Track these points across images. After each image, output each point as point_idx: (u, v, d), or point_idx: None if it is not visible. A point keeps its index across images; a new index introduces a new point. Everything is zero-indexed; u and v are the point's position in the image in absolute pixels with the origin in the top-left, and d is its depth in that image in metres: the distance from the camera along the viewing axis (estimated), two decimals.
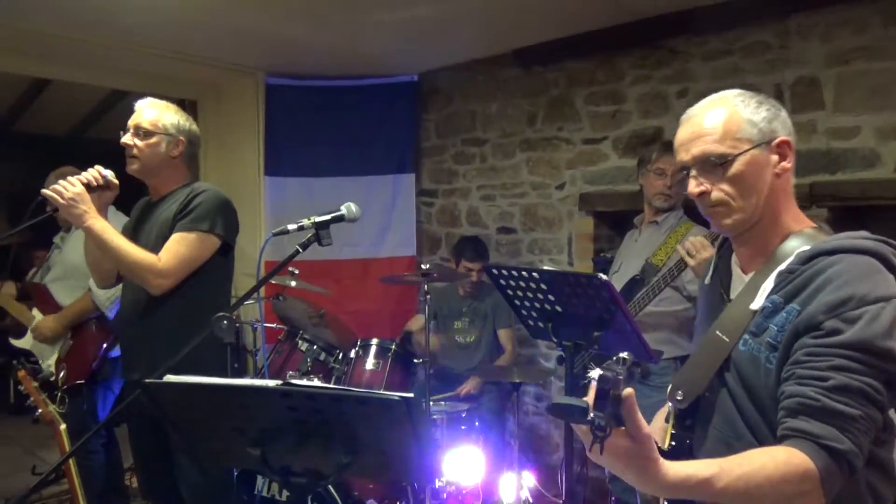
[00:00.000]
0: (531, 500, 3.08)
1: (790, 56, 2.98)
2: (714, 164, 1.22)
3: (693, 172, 1.25)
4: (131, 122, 2.31)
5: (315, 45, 3.78)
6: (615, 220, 3.74)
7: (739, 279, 1.31)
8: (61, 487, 3.67)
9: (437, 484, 2.93)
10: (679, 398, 1.29)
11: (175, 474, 2.31)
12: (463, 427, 3.23)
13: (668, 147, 2.75)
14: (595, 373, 0.96)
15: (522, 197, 4.08)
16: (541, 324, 2.08)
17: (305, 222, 1.94)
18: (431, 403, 3.18)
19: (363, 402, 1.27)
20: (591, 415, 0.95)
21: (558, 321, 2.01)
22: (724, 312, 1.28)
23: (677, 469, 1.02)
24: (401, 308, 4.48)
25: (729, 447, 1.17)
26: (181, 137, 2.33)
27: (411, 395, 1.22)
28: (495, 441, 3.46)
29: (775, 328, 1.15)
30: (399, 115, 4.43)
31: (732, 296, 1.30)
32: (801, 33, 2.95)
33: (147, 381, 1.39)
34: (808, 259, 1.15)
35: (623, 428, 0.98)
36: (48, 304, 3.21)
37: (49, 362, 3.15)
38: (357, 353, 3.32)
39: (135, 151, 2.28)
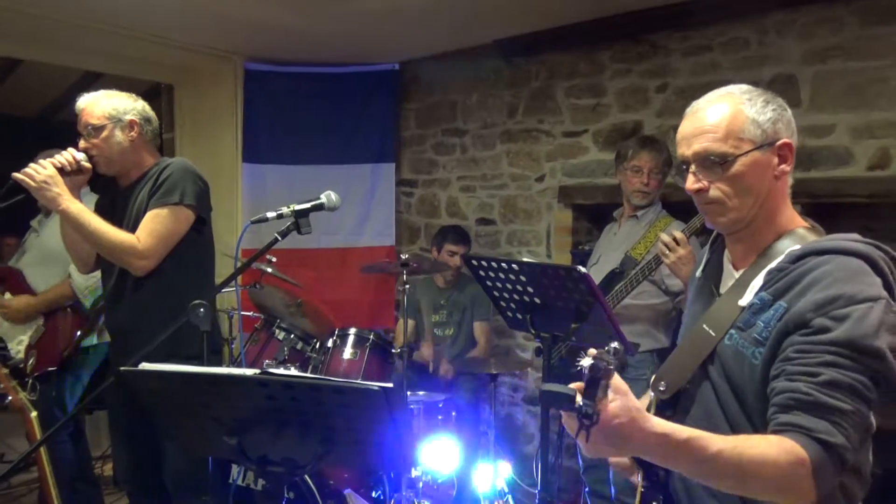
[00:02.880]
0: (506, 490, 3.10)
1: (768, 53, 3.01)
2: (714, 163, 1.21)
3: (692, 168, 1.24)
4: (79, 126, 2.27)
5: (295, 30, 3.73)
6: (594, 212, 3.76)
7: (730, 275, 1.31)
8: (30, 475, 3.61)
9: (413, 473, 2.94)
10: (661, 389, 1.31)
11: (158, 461, 2.30)
12: (439, 417, 3.24)
13: (644, 144, 2.77)
14: (586, 361, 0.97)
15: (502, 188, 4.08)
16: (519, 315, 2.09)
17: (285, 210, 1.92)
18: (409, 393, 3.18)
19: (342, 391, 1.27)
20: (580, 403, 0.96)
21: (536, 313, 2.02)
22: (713, 307, 1.28)
23: (666, 423, 1.03)
24: (379, 298, 4.47)
25: None
26: (131, 118, 2.28)
27: (390, 384, 1.22)
28: (471, 431, 3.47)
29: (762, 324, 1.16)
30: (379, 103, 4.40)
31: (722, 291, 1.31)
32: (780, 31, 2.98)
33: (122, 368, 1.37)
34: (797, 258, 1.16)
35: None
36: (20, 288, 3.13)
37: (18, 347, 3.08)
38: (334, 342, 3.30)
39: (94, 152, 2.25)
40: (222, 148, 4.32)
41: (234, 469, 2.71)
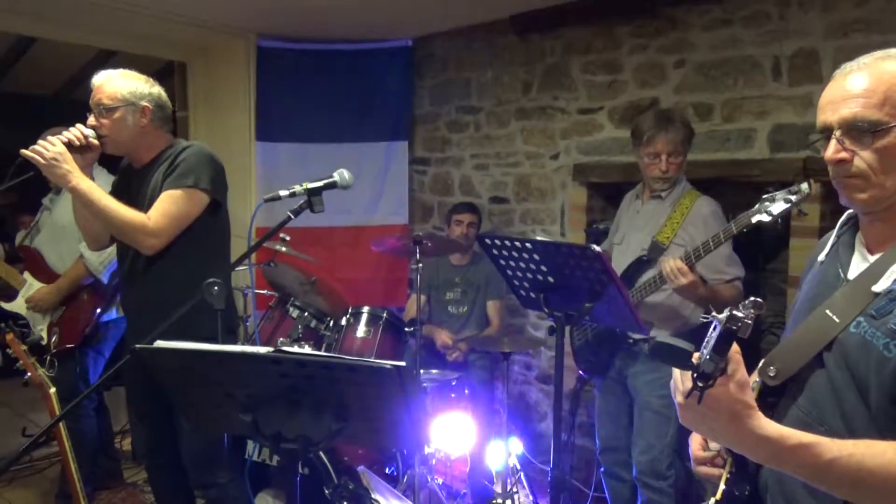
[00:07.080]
0: (519, 467, 3.12)
1: (789, 27, 2.94)
2: (863, 131, 1.09)
3: (837, 134, 1.11)
4: (91, 102, 2.25)
5: (309, 6, 3.70)
6: (609, 191, 3.72)
7: (863, 259, 1.19)
8: (51, 449, 3.69)
9: (427, 451, 2.97)
10: (771, 374, 1.20)
11: (175, 437, 2.33)
12: (452, 395, 3.25)
13: (660, 126, 2.53)
14: (722, 315, 0.88)
15: (516, 167, 4.05)
16: (532, 294, 2.08)
17: (297, 188, 1.92)
18: (422, 371, 3.20)
19: (355, 369, 1.27)
20: (703, 357, 0.87)
21: (550, 291, 2.01)
22: (839, 292, 1.17)
23: (776, 425, 0.96)
24: (392, 276, 4.48)
25: (808, 430, 1.07)
26: (144, 104, 2.26)
27: (403, 363, 1.22)
28: (484, 409, 3.49)
29: None
30: (393, 81, 4.36)
31: (850, 276, 1.19)
32: (802, 4, 2.90)
33: (137, 346, 1.38)
34: None
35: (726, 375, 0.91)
36: (39, 268, 3.18)
37: (41, 326, 3.13)
38: (348, 320, 3.31)
39: (103, 131, 2.23)
40: (235, 126, 4.31)
41: (250, 445, 2.75)
